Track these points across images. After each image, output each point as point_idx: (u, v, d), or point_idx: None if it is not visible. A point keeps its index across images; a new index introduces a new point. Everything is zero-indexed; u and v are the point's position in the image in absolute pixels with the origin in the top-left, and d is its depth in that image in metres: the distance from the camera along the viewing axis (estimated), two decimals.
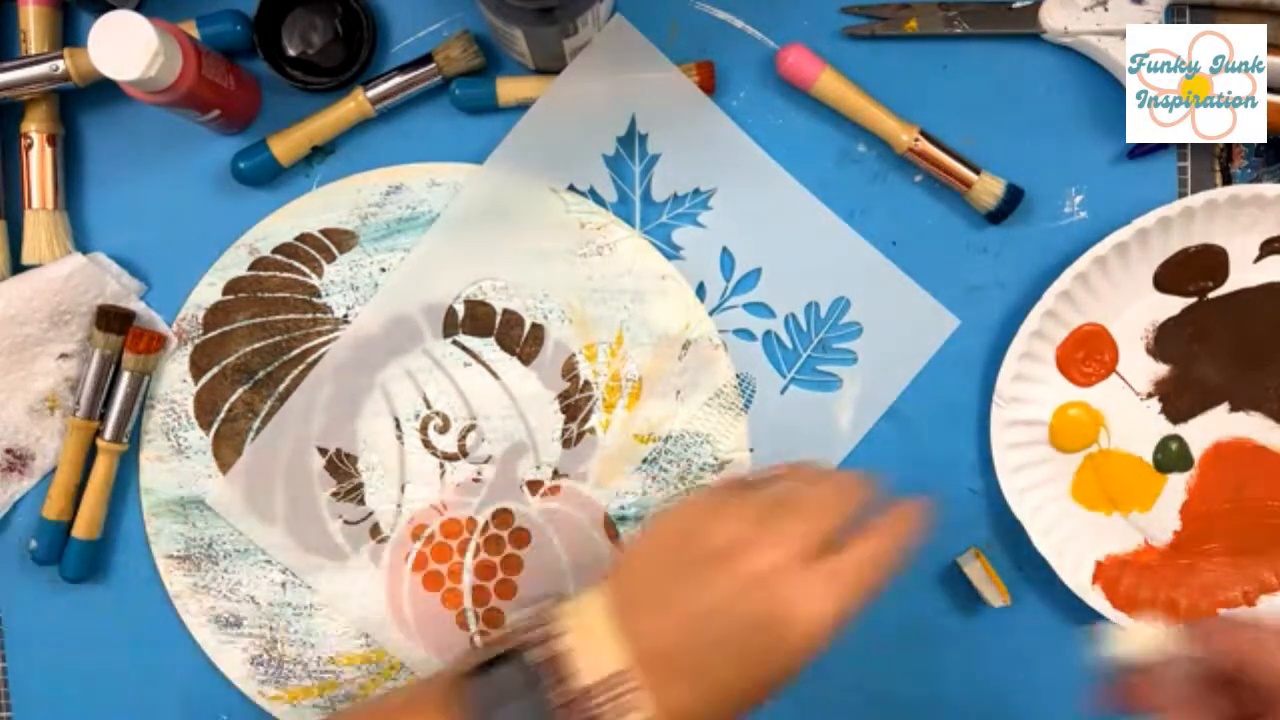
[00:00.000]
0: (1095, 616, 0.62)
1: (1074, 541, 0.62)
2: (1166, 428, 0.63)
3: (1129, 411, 0.62)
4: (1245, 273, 0.61)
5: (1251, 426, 0.63)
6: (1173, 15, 0.61)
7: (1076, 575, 0.61)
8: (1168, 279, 0.61)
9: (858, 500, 0.47)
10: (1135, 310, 0.62)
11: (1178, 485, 0.63)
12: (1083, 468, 0.63)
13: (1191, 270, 0.61)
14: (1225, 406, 0.62)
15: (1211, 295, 0.62)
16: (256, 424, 0.62)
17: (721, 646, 0.44)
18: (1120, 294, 0.61)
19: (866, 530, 0.46)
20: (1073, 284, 0.60)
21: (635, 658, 0.44)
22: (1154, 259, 0.61)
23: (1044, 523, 0.61)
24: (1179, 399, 0.62)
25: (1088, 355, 0.62)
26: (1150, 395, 0.62)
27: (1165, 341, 0.62)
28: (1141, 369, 0.62)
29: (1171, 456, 0.62)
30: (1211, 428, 0.62)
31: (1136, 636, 0.48)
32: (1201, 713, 0.45)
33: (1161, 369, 0.62)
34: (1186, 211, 0.59)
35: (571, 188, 0.62)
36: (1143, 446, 0.63)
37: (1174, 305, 0.62)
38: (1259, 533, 0.63)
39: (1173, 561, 0.63)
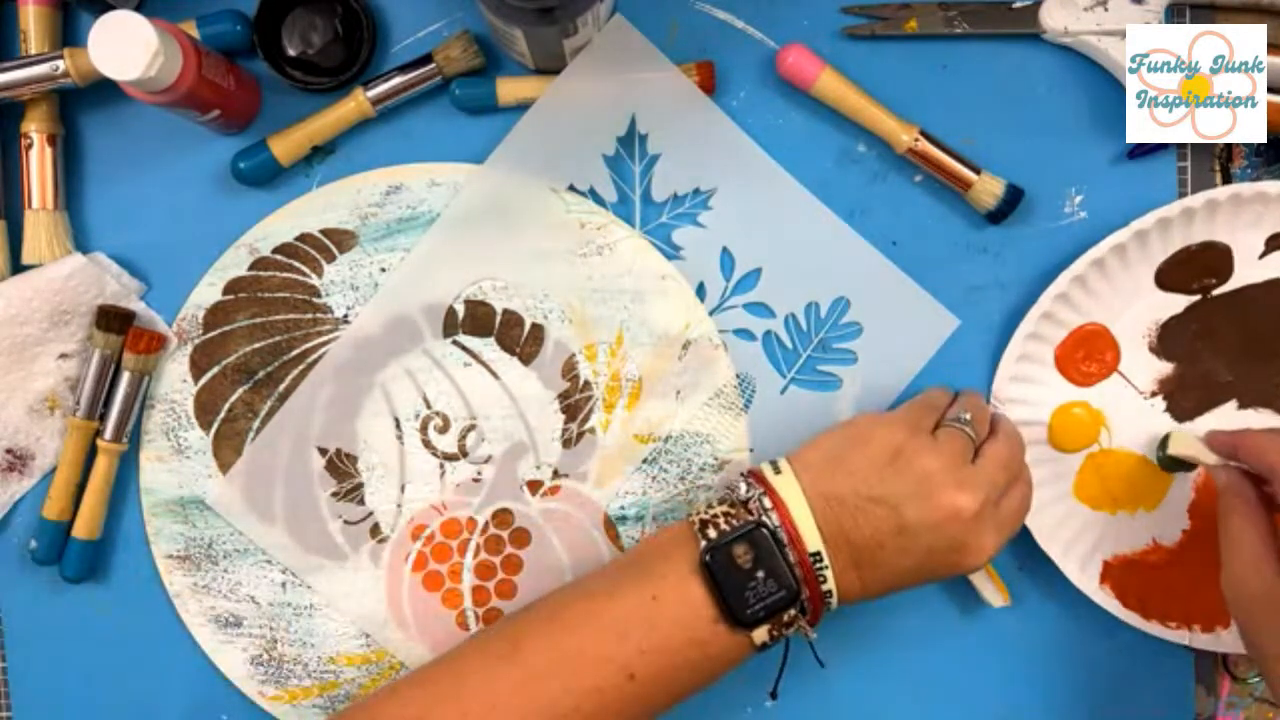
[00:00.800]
0: (1097, 617, 0.62)
1: (1080, 542, 0.62)
2: (1171, 426, 0.62)
3: (1132, 410, 0.62)
4: (1250, 269, 0.61)
5: (1261, 422, 0.62)
6: (1173, 15, 0.61)
7: (1083, 576, 0.61)
8: (1170, 277, 0.61)
9: (1023, 449, 0.58)
10: (1137, 309, 0.62)
11: (1185, 484, 0.63)
12: (1084, 468, 0.63)
13: (1195, 268, 0.61)
14: (1234, 404, 0.62)
15: (1216, 292, 0.61)
16: (256, 424, 0.62)
17: (902, 554, 0.53)
18: (1120, 294, 0.61)
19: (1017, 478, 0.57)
20: (1070, 286, 0.60)
21: (827, 541, 0.52)
22: (1154, 259, 0.61)
23: (1047, 523, 0.61)
24: (1184, 397, 0.62)
25: (1088, 355, 0.62)
26: (1154, 394, 0.62)
27: (1169, 339, 0.62)
28: (1145, 367, 0.62)
29: (1176, 457, 0.62)
30: (1220, 425, 0.62)
31: (1193, 442, 0.59)
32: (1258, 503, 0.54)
33: (1166, 367, 0.62)
34: (1186, 212, 0.59)
35: (571, 188, 0.62)
36: (1147, 445, 0.62)
37: (1177, 303, 0.62)
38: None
39: (1183, 562, 0.62)
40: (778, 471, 0.54)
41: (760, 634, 0.52)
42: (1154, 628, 0.61)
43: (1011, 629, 0.64)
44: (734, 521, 0.53)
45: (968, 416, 0.56)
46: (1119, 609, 0.61)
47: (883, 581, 0.54)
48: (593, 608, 0.53)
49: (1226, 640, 0.61)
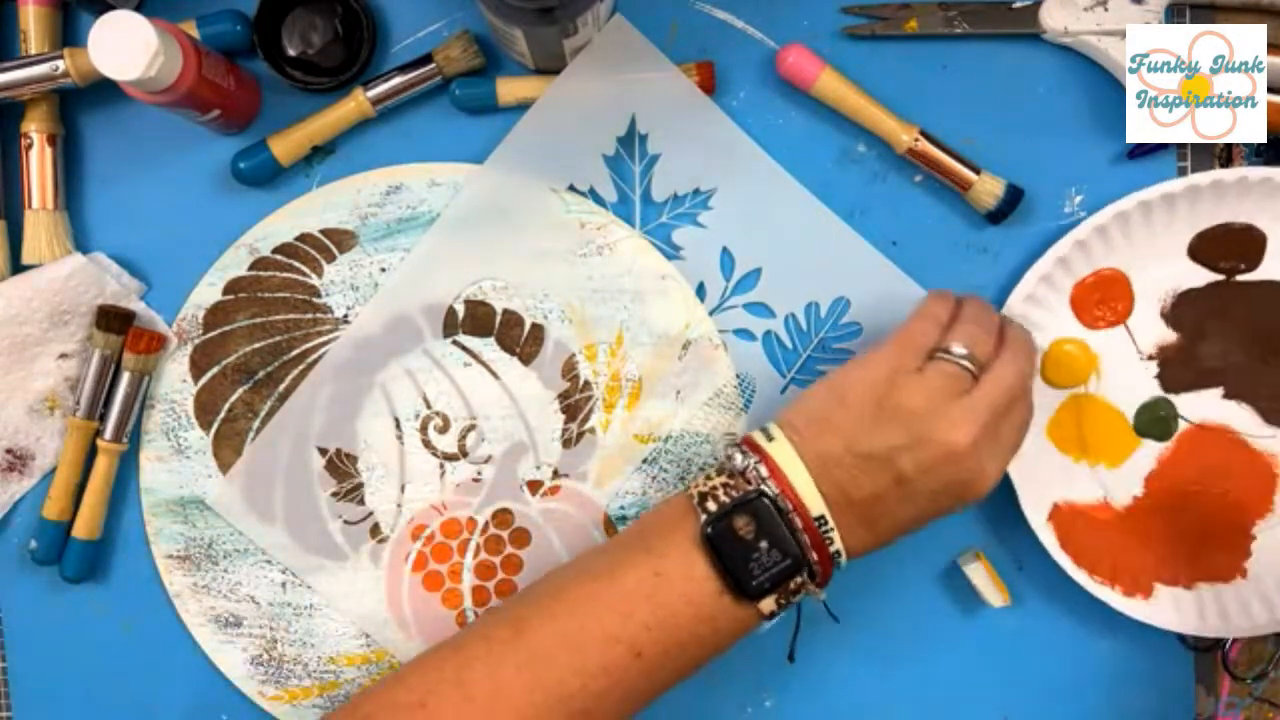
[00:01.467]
0: (1097, 617, 0.62)
1: (1037, 478, 0.61)
2: (1157, 393, 0.62)
3: (1125, 366, 0.62)
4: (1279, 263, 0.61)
5: (1240, 418, 0.62)
6: (1173, 15, 0.61)
7: (1035, 511, 0.61)
8: (1203, 250, 0.61)
9: (1032, 365, 0.55)
10: (1163, 271, 0.61)
11: (1150, 453, 0.62)
12: (1064, 406, 0.62)
13: (1228, 246, 0.61)
14: (1220, 391, 0.62)
15: (1240, 277, 0.61)
16: (256, 424, 0.62)
17: (906, 504, 0.52)
18: (1154, 249, 0.61)
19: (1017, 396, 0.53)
20: (1111, 222, 0.59)
21: (829, 503, 0.51)
22: (1196, 223, 0.60)
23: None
24: (1178, 370, 0.62)
25: (1103, 299, 0.61)
26: (1151, 358, 0.62)
27: (1181, 310, 0.62)
28: (1150, 329, 0.62)
29: (1153, 421, 0.62)
30: (1200, 408, 0.62)
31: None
32: None
33: (1170, 335, 0.62)
34: (1241, 184, 0.58)
35: (571, 188, 0.62)
36: (1128, 404, 0.62)
37: (1200, 277, 0.61)
38: (1214, 524, 0.62)
39: (1125, 526, 0.62)
40: (770, 438, 0.53)
41: (767, 604, 0.52)
42: (1080, 575, 0.61)
43: (1011, 629, 0.64)
44: (733, 492, 0.52)
45: (962, 350, 0.53)
46: (1055, 548, 0.61)
47: (891, 530, 0.53)
48: (595, 587, 0.53)
49: (1141, 609, 0.61)
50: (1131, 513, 0.63)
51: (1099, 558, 0.62)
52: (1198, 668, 0.64)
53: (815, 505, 0.51)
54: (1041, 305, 0.61)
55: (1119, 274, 0.61)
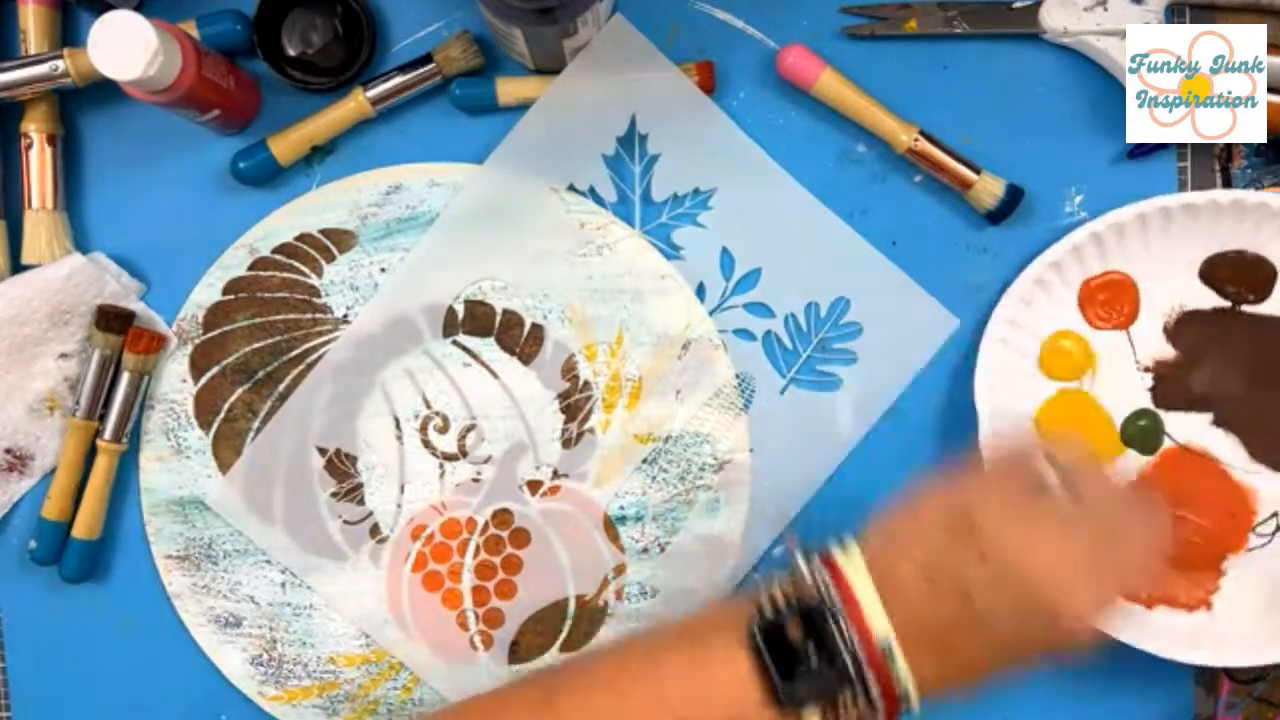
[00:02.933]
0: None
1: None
2: (1148, 405, 0.62)
3: (1121, 373, 0.62)
4: None
5: (1225, 447, 0.62)
6: (1173, 15, 0.61)
7: None
8: (1213, 273, 0.61)
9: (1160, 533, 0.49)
10: (1172, 285, 0.61)
11: (1132, 463, 0.62)
12: (1057, 399, 0.62)
13: (1238, 274, 0.61)
14: (1210, 417, 0.62)
15: (1245, 307, 0.61)
16: (256, 424, 0.62)
17: (978, 632, 0.46)
18: (1169, 259, 0.60)
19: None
20: (1131, 221, 0.59)
21: (895, 628, 0.46)
22: (1209, 244, 0.60)
23: (996, 425, 0.60)
24: (1171, 387, 0.62)
25: (1109, 300, 0.61)
26: (1148, 370, 0.62)
27: (1184, 329, 0.62)
28: (1151, 342, 0.62)
29: (1139, 433, 0.62)
30: (1187, 429, 0.62)
31: None
32: None
33: (1169, 351, 0.62)
34: (1262, 208, 0.58)
35: (571, 188, 0.62)
36: (1119, 410, 0.62)
37: (1207, 299, 0.61)
38: (1184, 549, 0.62)
39: None
40: (844, 548, 0.49)
41: (811, 716, 0.46)
42: None
43: None
44: (792, 600, 0.48)
45: (1053, 481, 0.48)
46: None
47: (965, 666, 0.47)
48: (633, 667, 0.49)
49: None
50: None
51: None
52: (1197, 668, 0.64)
53: (880, 625, 0.46)
54: (1050, 291, 0.61)
55: (1128, 280, 0.61)
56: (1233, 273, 0.61)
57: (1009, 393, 0.61)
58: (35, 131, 0.60)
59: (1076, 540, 0.45)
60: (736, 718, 0.47)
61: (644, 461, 0.62)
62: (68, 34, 0.61)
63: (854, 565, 0.47)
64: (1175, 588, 0.61)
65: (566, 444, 0.63)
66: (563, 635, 0.63)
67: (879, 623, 0.46)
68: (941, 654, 0.46)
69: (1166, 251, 0.61)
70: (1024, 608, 0.45)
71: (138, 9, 0.57)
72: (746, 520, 0.62)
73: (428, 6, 0.62)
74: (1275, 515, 0.62)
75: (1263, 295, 0.61)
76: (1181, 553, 0.62)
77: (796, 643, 0.46)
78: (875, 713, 0.46)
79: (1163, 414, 0.62)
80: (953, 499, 0.48)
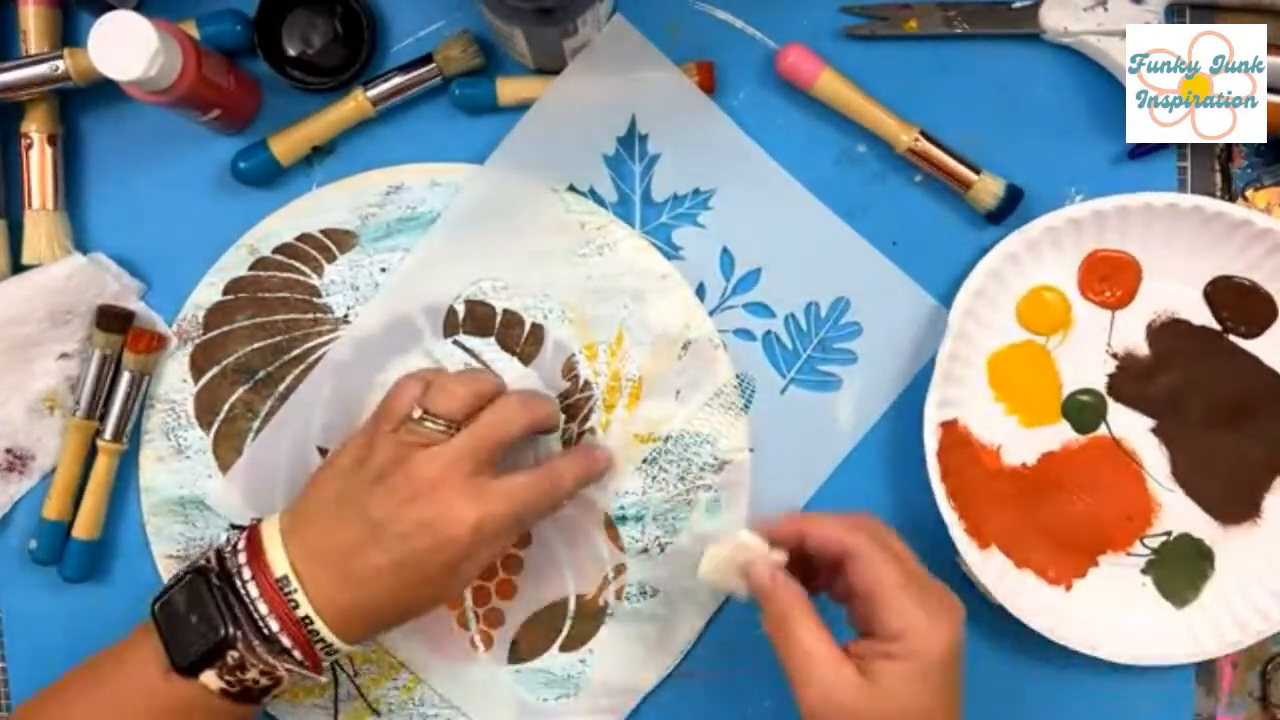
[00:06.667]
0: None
1: (954, 389, 0.61)
2: (1099, 389, 0.62)
3: (1090, 348, 0.62)
4: (1276, 345, 0.61)
5: (1153, 456, 0.62)
6: (1173, 15, 0.61)
7: (933, 412, 0.60)
8: (1217, 294, 0.61)
9: (523, 418, 0.55)
10: (1172, 286, 0.61)
11: (1060, 435, 0.62)
12: (1018, 348, 0.62)
13: (1241, 303, 0.61)
14: (1153, 424, 0.62)
15: (1233, 338, 0.61)
16: (256, 424, 0.62)
17: (380, 550, 0.51)
18: (1186, 257, 0.60)
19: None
20: (1165, 207, 0.59)
21: (292, 562, 0.51)
22: (1225, 262, 0.60)
23: (949, 352, 0.60)
24: (1129, 382, 0.62)
25: (1107, 276, 0.61)
26: (1114, 356, 0.62)
27: (1166, 333, 0.62)
28: (1129, 334, 0.62)
29: (1080, 410, 0.62)
30: (1126, 426, 0.62)
31: (721, 553, 0.52)
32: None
33: (1142, 348, 0.62)
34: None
35: (571, 188, 0.62)
36: (1071, 381, 0.62)
37: (1201, 316, 0.62)
38: (1071, 530, 0.62)
39: (997, 483, 0.62)
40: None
41: (211, 680, 0.51)
42: (940, 496, 0.60)
43: (1010, 628, 0.64)
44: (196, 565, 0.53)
45: (436, 413, 0.53)
46: (934, 464, 0.60)
47: (372, 584, 0.51)
48: (82, 672, 0.54)
49: (973, 555, 0.60)
50: (1010, 475, 0.62)
51: (971, 496, 0.61)
52: (1198, 667, 0.64)
53: (278, 559, 0.51)
54: (1057, 242, 0.60)
55: (1135, 266, 0.61)
56: (1236, 300, 0.61)
57: (976, 329, 0.61)
58: (35, 132, 0.60)
59: (444, 458, 0.52)
60: (148, 692, 0.51)
61: (644, 461, 0.62)
62: (68, 34, 0.61)
63: (271, 519, 0.53)
64: (1046, 562, 0.62)
65: (566, 444, 0.63)
66: (563, 635, 0.63)
67: (276, 555, 0.51)
68: (343, 567, 0.51)
69: (1181, 255, 0.60)
70: (415, 520, 0.51)
71: (138, 9, 0.57)
72: (747, 520, 0.62)
73: (428, 6, 0.62)
74: (1167, 535, 0.62)
75: (1254, 332, 0.61)
76: (1068, 532, 0.62)
77: (179, 605, 0.51)
78: (286, 655, 0.51)
79: (1110, 402, 0.62)
80: (358, 445, 0.54)
